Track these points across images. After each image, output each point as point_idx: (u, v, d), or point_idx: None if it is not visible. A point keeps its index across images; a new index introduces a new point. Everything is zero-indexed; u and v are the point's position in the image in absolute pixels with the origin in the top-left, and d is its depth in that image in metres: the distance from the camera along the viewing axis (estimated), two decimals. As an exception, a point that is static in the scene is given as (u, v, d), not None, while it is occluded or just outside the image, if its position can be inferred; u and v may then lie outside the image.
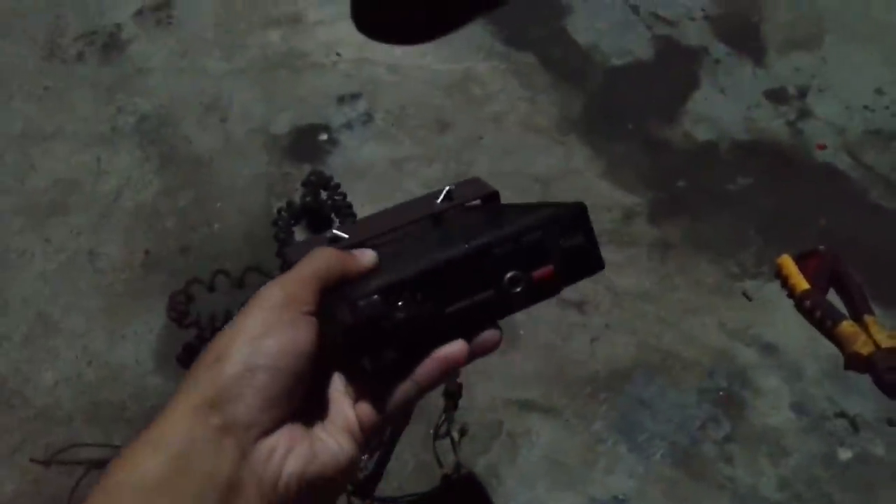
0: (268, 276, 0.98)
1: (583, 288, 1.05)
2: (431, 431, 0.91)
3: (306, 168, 1.16)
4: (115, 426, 0.90)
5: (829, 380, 0.98)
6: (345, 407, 0.44)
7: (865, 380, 0.97)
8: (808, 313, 1.03)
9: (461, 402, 0.93)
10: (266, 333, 0.41)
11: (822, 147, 1.22)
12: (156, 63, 1.29)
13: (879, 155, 1.20)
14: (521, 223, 0.46)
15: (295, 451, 0.40)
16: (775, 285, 1.07)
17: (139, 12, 1.36)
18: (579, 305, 1.04)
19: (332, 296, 0.44)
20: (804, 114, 1.26)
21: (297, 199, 1.09)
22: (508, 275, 0.45)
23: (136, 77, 1.27)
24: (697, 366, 0.99)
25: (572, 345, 1.00)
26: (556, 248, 0.46)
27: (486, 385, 0.95)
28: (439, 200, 0.62)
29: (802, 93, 1.29)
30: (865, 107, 1.26)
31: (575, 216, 0.48)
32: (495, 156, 1.21)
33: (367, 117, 1.24)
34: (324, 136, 1.21)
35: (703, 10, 1.41)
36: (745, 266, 1.09)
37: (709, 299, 1.06)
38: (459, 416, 0.92)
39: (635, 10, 1.42)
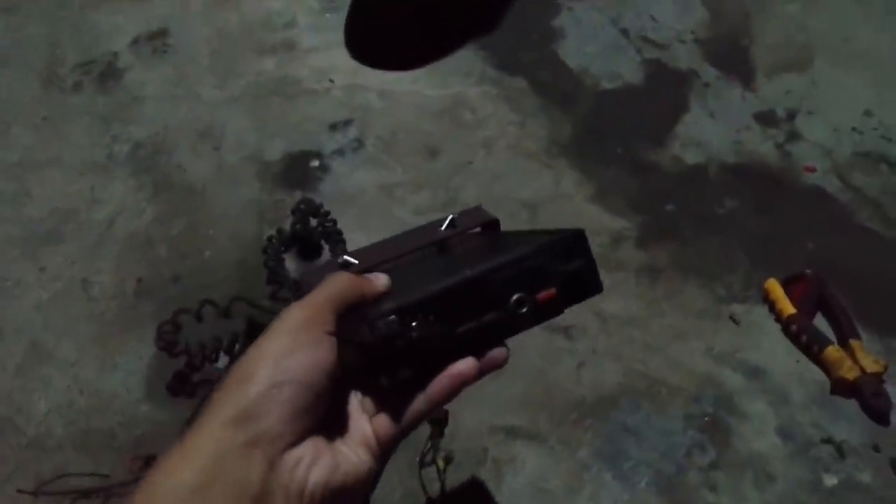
0: (254, 306, 0.99)
1: (569, 313, 1.05)
2: (417, 459, 0.92)
3: (298, 195, 1.17)
4: (105, 455, 0.91)
5: (815, 405, 0.98)
6: (362, 422, 0.47)
7: (852, 405, 0.97)
8: (794, 338, 1.03)
9: (447, 430, 0.94)
10: (289, 353, 0.43)
11: (811, 169, 1.22)
12: (151, 91, 1.31)
13: (868, 177, 1.21)
14: (525, 249, 0.50)
15: (319, 462, 0.43)
16: (763, 309, 1.08)
17: (135, 41, 1.38)
18: (566, 330, 1.05)
19: (350, 317, 0.48)
20: (793, 136, 1.27)
21: (287, 226, 1.11)
22: (514, 297, 0.49)
23: (131, 105, 1.29)
24: (683, 391, 0.99)
25: (559, 370, 1.01)
26: (558, 271, 0.50)
27: (472, 411, 0.96)
28: (443, 228, 0.66)
29: (791, 115, 1.29)
30: (854, 129, 1.26)
31: (575, 242, 0.51)
32: (485, 181, 1.22)
33: (359, 143, 1.25)
34: (315, 163, 1.22)
35: (692, 33, 1.43)
36: (732, 289, 1.10)
37: (696, 324, 1.06)
38: (445, 444, 0.93)
39: (625, 33, 1.44)
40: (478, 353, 0.49)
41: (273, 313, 0.99)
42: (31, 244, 1.12)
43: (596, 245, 1.13)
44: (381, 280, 0.52)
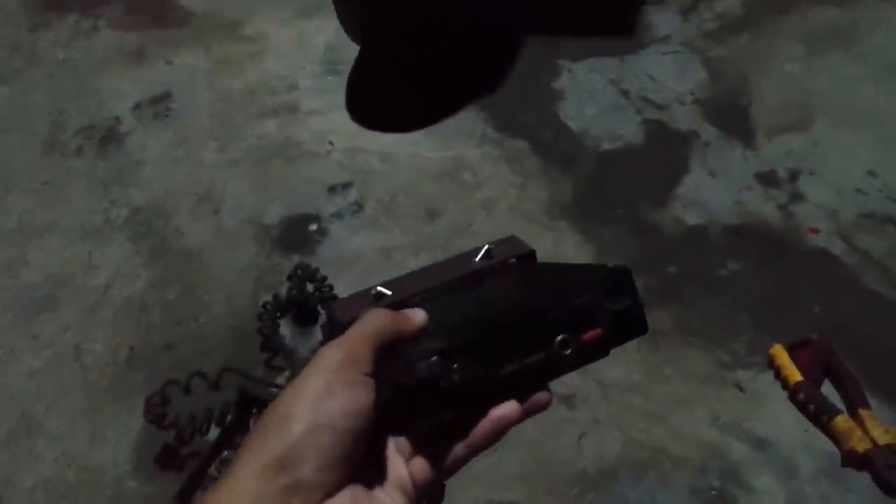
0: (245, 377, 0.98)
1: (570, 381, 1.03)
2: (412, 535, 0.89)
3: (296, 259, 1.17)
4: (91, 531, 0.89)
5: (824, 477, 0.95)
6: (398, 464, 0.46)
7: (863, 478, 0.94)
8: (802, 406, 1.00)
9: (443, 504, 0.91)
10: (328, 395, 0.42)
11: (815, 231, 1.20)
12: (152, 155, 1.32)
13: (874, 239, 1.19)
14: (569, 287, 0.49)
15: None
16: (769, 376, 1.05)
17: (137, 105, 1.40)
18: (567, 399, 1.02)
19: (389, 356, 0.46)
20: (795, 197, 1.25)
21: (283, 291, 1.09)
22: (559, 338, 0.47)
23: (131, 169, 1.29)
24: (688, 463, 0.96)
25: (559, 442, 0.98)
26: (604, 311, 0.48)
27: (467, 486, 0.93)
28: (478, 259, 0.62)
29: (793, 176, 1.28)
30: (858, 190, 1.25)
31: (621, 280, 0.49)
32: (484, 243, 1.20)
33: (358, 206, 1.24)
34: (314, 227, 1.21)
35: (692, 93, 1.42)
36: (737, 355, 1.07)
37: (700, 391, 1.04)
38: (441, 520, 0.90)
39: (625, 94, 1.44)
40: (520, 396, 0.47)
41: (266, 383, 0.97)
42: (26, 311, 1.12)
43: (596, 310, 1.11)
44: (418, 316, 0.49)
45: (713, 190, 1.28)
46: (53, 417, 0.99)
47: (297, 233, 1.20)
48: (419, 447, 0.46)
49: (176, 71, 1.46)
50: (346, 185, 1.27)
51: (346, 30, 1.43)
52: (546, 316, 0.47)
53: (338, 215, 1.23)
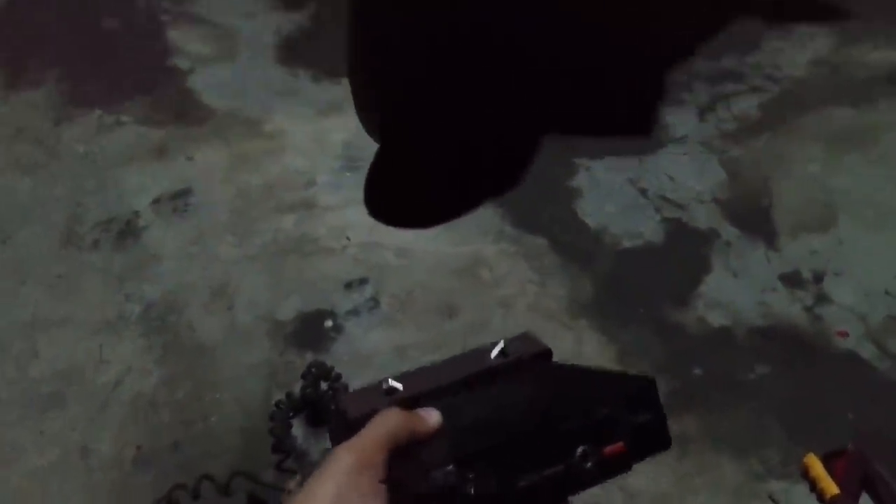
0: (255, 482, 0.94)
1: (593, 489, 0.98)
2: None
3: (310, 356, 1.14)
4: None
5: None
6: None
7: None
8: (840, 521, 0.94)
9: None
10: (340, 500, 0.41)
11: (844, 335, 1.17)
12: (168, 250, 1.31)
13: (906, 343, 1.16)
14: (590, 396, 0.47)
15: None
16: (803, 487, 0.99)
17: (157, 200, 1.40)
18: (591, 510, 0.97)
19: (402, 460, 0.45)
20: (822, 299, 1.23)
21: (296, 390, 1.06)
22: (579, 450, 0.46)
23: (147, 264, 1.29)
24: (722, 582, 0.90)
25: (584, 556, 0.92)
26: (627, 423, 0.47)
27: None
28: (493, 355, 0.60)
29: (818, 277, 1.26)
30: (887, 292, 1.22)
31: (644, 392, 0.49)
32: (499, 339, 1.18)
33: (374, 303, 1.23)
34: (329, 323, 1.19)
35: (711, 193, 1.42)
36: (769, 464, 1.02)
37: (732, 503, 0.98)
38: None
39: (644, 192, 1.44)
40: None
41: (277, 488, 0.93)
42: (33, 407, 1.09)
43: (620, 414, 1.07)
44: (433, 418, 0.48)
45: (736, 290, 1.25)
46: (54, 522, 0.95)
47: (311, 329, 1.18)
48: None
49: (196, 167, 1.47)
50: (362, 281, 1.26)
51: (366, 126, 1.45)
52: (565, 425, 0.46)
53: (354, 312, 1.21)
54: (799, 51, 1.67)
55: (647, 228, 1.37)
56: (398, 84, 1.37)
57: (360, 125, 1.46)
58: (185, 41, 1.82)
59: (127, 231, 1.35)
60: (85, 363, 1.14)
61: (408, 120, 1.44)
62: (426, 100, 1.41)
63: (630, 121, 1.59)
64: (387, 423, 0.45)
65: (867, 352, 1.15)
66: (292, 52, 1.80)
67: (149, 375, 1.11)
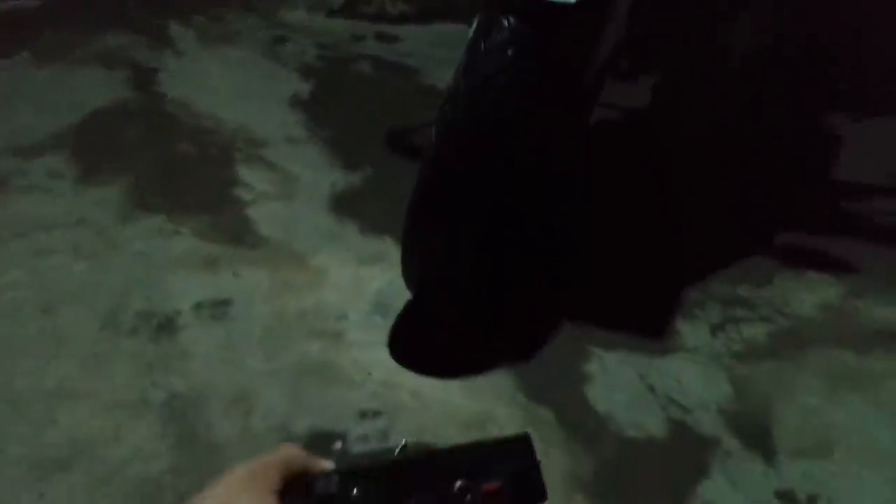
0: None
1: None
2: None
3: (314, 475, 1.16)
4: None
5: None
6: None
7: None
8: None
9: None
10: (232, 500, 0.44)
11: (833, 558, 1.19)
12: (201, 350, 1.38)
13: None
14: (472, 446, 0.52)
15: None
16: None
17: (199, 305, 1.48)
18: None
19: (294, 484, 0.49)
20: (814, 522, 1.26)
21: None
22: (458, 483, 0.49)
23: (179, 359, 1.35)
24: None
25: None
26: (504, 468, 0.51)
27: None
28: None
29: (812, 500, 1.29)
30: (876, 527, 1.25)
31: (520, 444, 0.52)
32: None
33: (384, 435, 1.27)
34: (339, 445, 1.22)
35: (717, 403, 1.49)
36: None
37: None
38: None
39: (652, 390, 1.50)
40: None
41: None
42: (40, 469, 1.11)
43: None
44: (328, 464, 0.52)
45: (732, 498, 1.28)
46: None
47: (321, 447, 1.20)
48: None
49: (241, 283, 1.57)
50: (376, 413, 1.31)
51: (405, 277, 1.55)
52: (448, 462, 0.50)
53: (363, 438, 1.25)
54: (808, 293, 1.80)
55: (652, 423, 1.42)
56: (444, 247, 1.49)
57: (395, 277, 1.57)
58: (252, 178, 1.99)
59: (165, 326, 1.42)
60: (98, 437, 1.17)
61: (444, 280, 1.54)
62: (464, 264, 1.52)
63: (645, 322, 1.69)
64: (281, 452, 0.50)
65: (855, 580, 1.16)
66: (344, 204, 1.96)
67: (158, 460, 1.14)
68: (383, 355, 1.45)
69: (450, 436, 1.30)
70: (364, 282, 1.68)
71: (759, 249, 1.94)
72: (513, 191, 1.40)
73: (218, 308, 1.49)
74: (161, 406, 1.24)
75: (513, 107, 1.32)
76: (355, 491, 0.46)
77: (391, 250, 1.75)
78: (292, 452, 0.50)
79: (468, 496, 0.49)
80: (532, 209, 1.48)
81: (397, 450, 0.65)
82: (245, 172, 2.01)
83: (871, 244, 1.98)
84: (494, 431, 1.33)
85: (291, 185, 2.01)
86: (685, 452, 1.37)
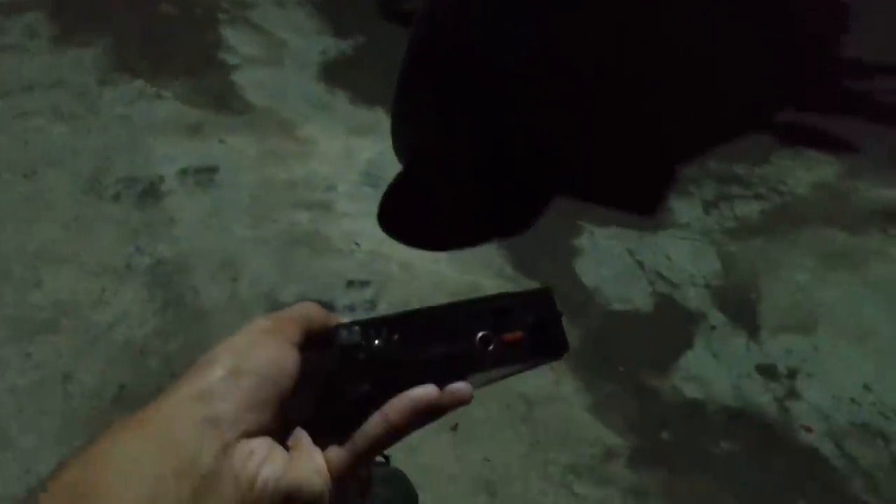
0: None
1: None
2: None
3: (301, 341, 1.17)
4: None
5: None
6: (315, 454, 0.45)
7: None
8: None
9: None
10: (252, 347, 0.43)
11: (809, 429, 1.22)
12: (186, 216, 1.35)
13: (864, 448, 1.20)
14: (494, 298, 0.50)
15: (272, 459, 0.42)
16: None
17: (183, 171, 1.45)
18: (545, 536, 0.99)
19: (316, 339, 0.47)
20: (792, 394, 1.28)
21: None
22: (481, 333, 0.48)
23: (164, 225, 1.32)
24: None
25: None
26: (526, 319, 0.49)
27: None
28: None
29: (792, 374, 1.32)
30: (852, 400, 1.28)
31: (542, 296, 0.51)
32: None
33: (371, 305, 1.27)
34: (326, 315, 1.23)
35: (704, 279, 1.49)
36: (719, 532, 1.06)
37: (679, 559, 1.01)
38: None
39: (640, 265, 1.50)
40: (440, 384, 0.47)
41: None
42: (25, 330, 1.11)
43: (588, 455, 1.11)
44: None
45: (714, 370, 1.31)
46: (26, 436, 0.96)
47: (309, 317, 1.21)
48: (335, 433, 0.46)
49: (227, 150, 1.53)
50: (363, 284, 1.30)
51: (396, 149, 1.51)
52: (470, 312, 0.48)
53: (350, 307, 1.25)
54: (805, 172, 1.77)
55: (639, 297, 1.43)
56: (435, 117, 1.45)
57: (386, 149, 1.53)
58: (237, 41, 1.91)
59: (149, 192, 1.39)
60: (84, 300, 1.16)
61: (436, 151, 1.50)
62: (456, 136, 1.48)
63: (638, 199, 1.67)
64: (302, 308, 0.48)
65: (826, 449, 1.19)
66: (335, 73, 1.89)
67: (145, 324, 1.14)
68: (372, 227, 1.44)
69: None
70: (354, 152, 1.64)
71: (758, 127, 1.90)
72: (508, 54, 1.34)
73: (203, 175, 1.45)
74: (146, 271, 1.23)
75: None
76: (377, 341, 0.45)
77: (382, 121, 1.70)
78: (312, 309, 0.48)
79: (490, 346, 0.48)
80: (529, 76, 1.43)
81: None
82: (230, 35, 1.93)
83: (872, 123, 1.94)
84: (482, 302, 1.33)
85: (279, 51, 1.93)
86: (670, 326, 1.38)
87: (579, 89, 1.67)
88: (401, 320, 0.47)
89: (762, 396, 1.27)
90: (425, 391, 0.46)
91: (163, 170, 1.45)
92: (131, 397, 1.03)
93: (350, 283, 1.29)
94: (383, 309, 1.26)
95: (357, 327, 0.45)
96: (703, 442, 1.18)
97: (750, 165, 1.78)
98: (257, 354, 0.43)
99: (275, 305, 1.22)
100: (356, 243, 1.39)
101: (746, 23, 2.22)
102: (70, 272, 1.20)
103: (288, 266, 1.30)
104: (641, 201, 1.67)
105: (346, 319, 0.49)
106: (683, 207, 1.66)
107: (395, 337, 0.46)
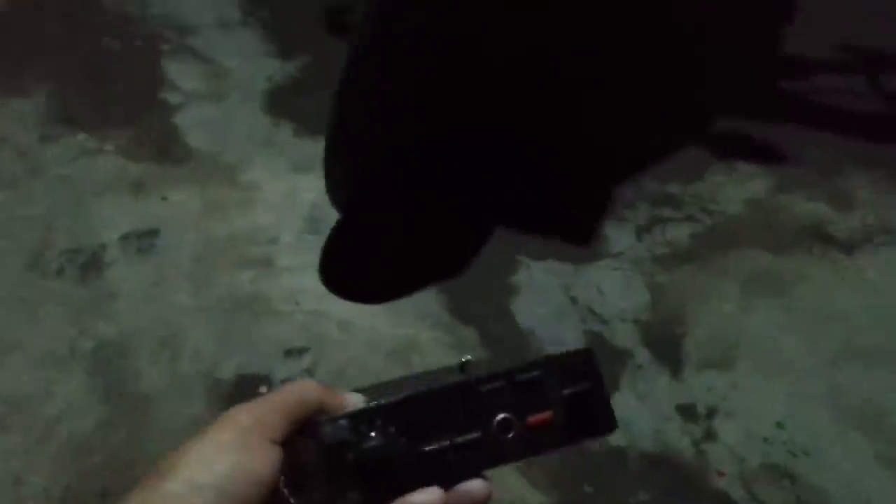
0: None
1: None
2: None
3: (241, 418, 1.23)
4: None
5: None
6: None
7: None
8: None
9: None
10: (218, 452, 0.38)
11: (722, 474, 1.31)
12: (128, 289, 1.40)
13: (773, 491, 1.29)
14: (521, 364, 0.42)
15: None
16: None
17: (125, 237, 1.49)
18: None
19: (304, 428, 0.40)
20: (709, 435, 1.36)
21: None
22: (499, 417, 0.41)
23: (105, 301, 1.37)
24: None
25: None
26: (558, 393, 0.42)
27: None
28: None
29: (711, 413, 1.40)
30: (765, 439, 1.36)
31: (580, 361, 0.44)
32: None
33: (309, 374, 1.33)
34: (264, 389, 1.29)
35: (633, 313, 1.55)
36: (631, 586, 1.15)
37: None
38: None
39: (574, 301, 1.56)
40: (449, 484, 0.40)
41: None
42: (-24, 429, 1.17)
43: (509, 520, 1.19)
44: (353, 397, 0.43)
45: (637, 413, 1.38)
46: (-22, 550, 1.03)
47: (246, 393, 1.28)
48: None
49: (169, 208, 1.56)
50: (302, 351, 1.36)
51: (331, 196, 1.55)
52: (487, 391, 0.41)
53: (289, 379, 1.31)
54: (736, 188, 1.82)
55: (571, 338, 1.50)
56: (367, 164, 1.48)
57: (327, 190, 1.57)
58: (180, 75, 1.92)
59: (91, 264, 1.43)
60: (33, 393, 1.22)
61: (370, 199, 1.54)
62: (389, 183, 1.52)
63: (576, 230, 1.72)
64: (294, 389, 0.42)
65: (737, 494, 1.28)
66: (279, 101, 1.90)
67: (88, 416, 1.20)
68: (313, 281, 1.49)
69: (374, 367, 1.37)
70: (298, 195, 1.68)
71: (693, 140, 1.93)
72: (447, 78, 1.37)
73: (145, 239, 1.50)
74: (89, 355, 1.28)
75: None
76: (372, 435, 0.38)
77: (324, 155, 1.73)
78: (308, 390, 0.42)
79: (511, 432, 0.40)
80: (470, 98, 1.45)
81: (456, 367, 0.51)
82: (172, 69, 1.94)
83: (806, 127, 1.97)
84: (417, 360, 1.39)
85: (223, 82, 1.94)
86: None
87: (510, 120, 1.70)
88: (398, 407, 0.40)
89: (681, 441, 1.35)
90: (427, 497, 0.39)
91: (105, 236, 1.49)
92: (77, 500, 1.10)
93: (288, 353, 1.36)
94: (320, 377, 1.33)
95: (344, 421, 0.39)
96: (622, 493, 1.27)
97: (683, 184, 1.82)
98: (220, 463, 0.38)
99: (215, 385, 1.28)
100: (296, 302, 1.45)
101: (673, 31, 2.22)
102: (16, 362, 1.26)
103: (228, 336, 1.36)
104: (577, 230, 1.72)
105: (350, 394, 0.43)
106: (618, 235, 1.71)
107: (391, 429, 0.39)
